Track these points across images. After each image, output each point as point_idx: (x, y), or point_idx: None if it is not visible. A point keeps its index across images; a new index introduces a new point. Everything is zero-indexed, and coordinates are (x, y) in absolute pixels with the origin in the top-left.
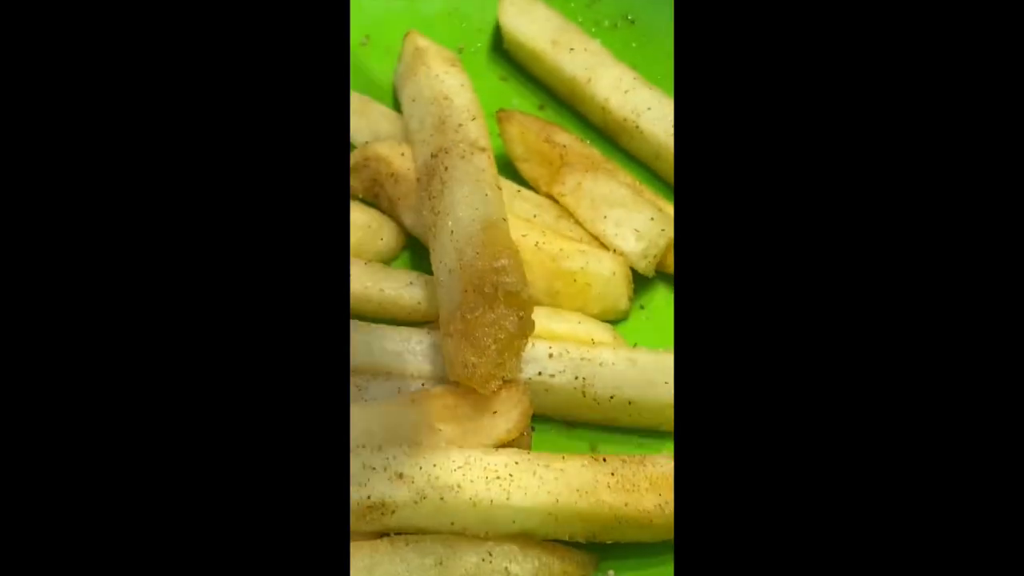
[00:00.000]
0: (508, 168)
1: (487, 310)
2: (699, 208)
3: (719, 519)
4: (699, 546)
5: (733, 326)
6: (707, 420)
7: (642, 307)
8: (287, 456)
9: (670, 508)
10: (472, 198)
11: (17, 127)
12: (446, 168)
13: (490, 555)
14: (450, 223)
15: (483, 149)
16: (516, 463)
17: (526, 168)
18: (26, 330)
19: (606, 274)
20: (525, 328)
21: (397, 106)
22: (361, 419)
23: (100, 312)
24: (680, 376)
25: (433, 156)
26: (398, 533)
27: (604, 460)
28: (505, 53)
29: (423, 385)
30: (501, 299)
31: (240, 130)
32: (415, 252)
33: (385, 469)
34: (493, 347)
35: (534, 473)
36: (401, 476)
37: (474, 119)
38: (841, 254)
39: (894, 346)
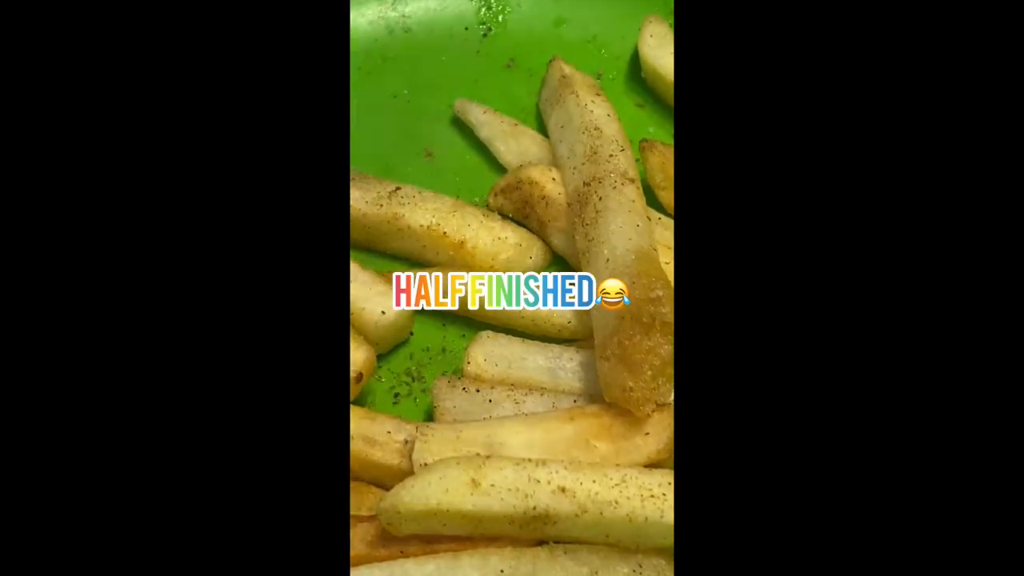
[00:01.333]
0: (647, 194)
1: (643, 338)
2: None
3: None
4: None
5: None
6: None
7: None
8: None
9: None
10: (625, 228)
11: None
12: (600, 198)
13: (640, 567)
14: (606, 251)
15: (632, 180)
16: (669, 483)
17: (665, 196)
18: (28, 332)
19: None
20: None
21: (540, 126)
22: (523, 432)
23: (128, 294)
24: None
25: (586, 184)
26: (557, 542)
27: None
28: (641, 80)
29: (575, 402)
30: (657, 328)
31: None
32: (561, 270)
33: (549, 483)
34: (648, 373)
35: None
36: (564, 490)
37: (623, 150)
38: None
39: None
